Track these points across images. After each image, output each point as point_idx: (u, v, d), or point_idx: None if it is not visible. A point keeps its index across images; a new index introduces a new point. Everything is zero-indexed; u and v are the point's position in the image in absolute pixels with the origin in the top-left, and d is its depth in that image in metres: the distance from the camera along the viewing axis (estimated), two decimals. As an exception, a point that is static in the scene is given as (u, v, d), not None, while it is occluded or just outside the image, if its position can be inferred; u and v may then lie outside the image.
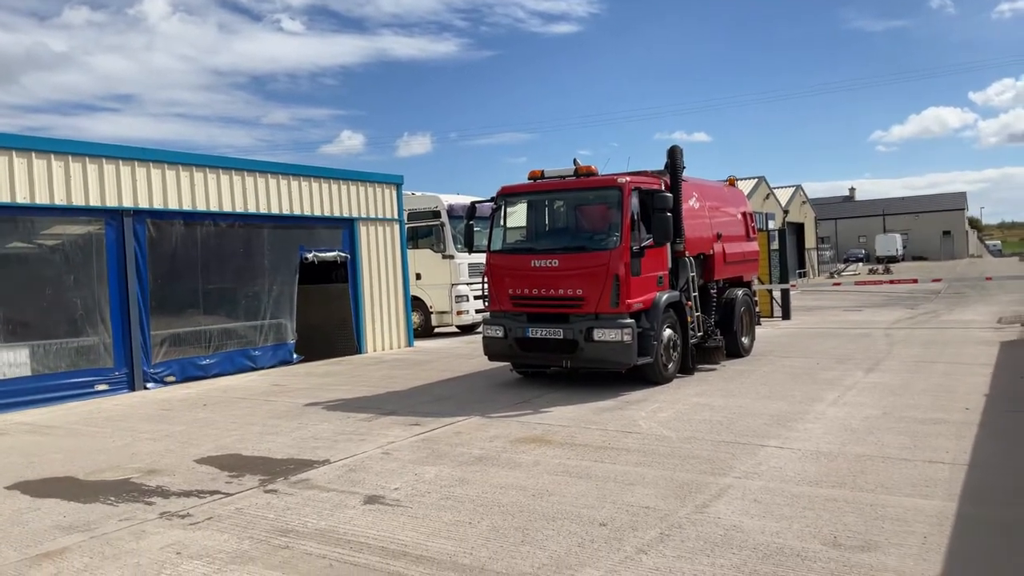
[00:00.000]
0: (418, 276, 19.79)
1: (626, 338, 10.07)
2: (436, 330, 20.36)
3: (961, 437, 7.32)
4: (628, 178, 10.53)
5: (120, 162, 12.31)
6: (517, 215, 11.65)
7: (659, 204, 10.35)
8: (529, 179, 11.29)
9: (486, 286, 11.22)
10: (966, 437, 7.32)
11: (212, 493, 6.42)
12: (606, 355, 10.22)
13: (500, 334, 10.92)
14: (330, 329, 17.01)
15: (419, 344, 17.90)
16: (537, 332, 10.59)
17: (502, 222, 11.35)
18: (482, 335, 11.30)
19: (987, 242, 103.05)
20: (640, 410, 9.13)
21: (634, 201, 10.47)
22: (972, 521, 5.15)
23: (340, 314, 16.65)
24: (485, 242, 11.38)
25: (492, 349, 11.16)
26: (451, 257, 19.63)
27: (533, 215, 11.60)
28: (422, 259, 19.79)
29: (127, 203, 12.35)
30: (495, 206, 11.31)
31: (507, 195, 11.34)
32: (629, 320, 10.17)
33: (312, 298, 17.03)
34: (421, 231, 20.10)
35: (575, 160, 11.28)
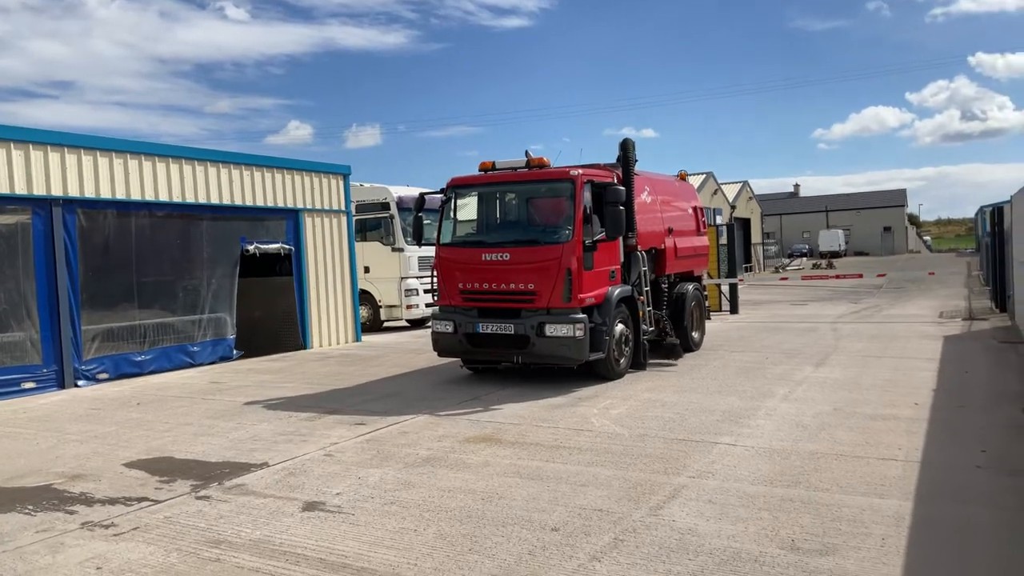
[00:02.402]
0: (367, 269, 19.36)
1: (578, 333, 9.88)
2: (385, 324, 19.97)
3: (912, 433, 7.30)
4: (581, 171, 10.33)
5: (48, 148, 11.65)
6: (467, 207, 11.36)
7: (612, 197, 10.17)
8: (480, 171, 11.02)
9: (435, 280, 10.92)
10: (917, 433, 7.30)
11: (140, 500, 6.02)
12: (558, 351, 10.02)
13: (450, 329, 10.64)
14: (274, 324, 16.51)
15: (367, 339, 17.50)
16: (488, 327, 10.34)
17: (452, 214, 11.06)
18: (431, 330, 11.00)
19: (924, 238, 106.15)
20: (592, 407, 8.96)
21: (587, 194, 10.28)
22: (928, 521, 5.07)
23: (284, 308, 16.16)
24: (434, 235, 11.09)
25: (442, 345, 10.87)
26: (401, 250, 19.23)
27: (484, 207, 11.32)
28: (371, 252, 19.36)
29: (56, 192, 11.70)
30: (445, 198, 11.02)
31: (457, 187, 11.04)
32: (581, 315, 9.98)
33: (255, 291, 16.48)
34: (370, 223, 19.66)
35: (527, 152, 11.04)
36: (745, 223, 55.38)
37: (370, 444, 7.53)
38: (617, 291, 10.68)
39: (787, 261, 65.14)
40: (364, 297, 19.63)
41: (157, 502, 5.97)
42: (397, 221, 19.26)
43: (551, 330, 9.94)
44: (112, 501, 6.03)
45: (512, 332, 10.16)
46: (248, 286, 16.23)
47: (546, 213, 10.88)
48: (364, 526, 5.23)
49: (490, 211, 11.32)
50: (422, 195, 11.46)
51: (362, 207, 19.49)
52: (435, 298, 10.98)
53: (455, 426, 8.20)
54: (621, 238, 10.96)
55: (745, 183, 57.01)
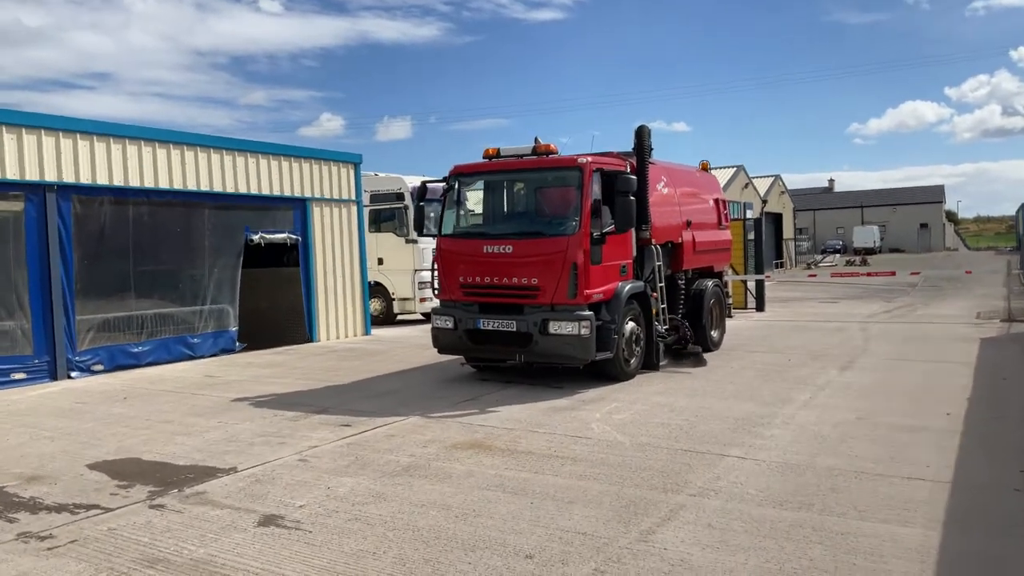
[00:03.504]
0: (380, 261, 18.91)
1: (584, 331, 9.28)
2: (398, 318, 19.48)
3: (942, 448, 6.62)
4: (590, 158, 9.70)
5: (43, 132, 11.28)
6: (470, 196, 10.80)
7: (622, 187, 9.54)
8: (484, 158, 10.44)
9: (436, 273, 10.38)
10: (948, 448, 6.62)
11: (89, 508, 5.56)
12: (562, 349, 9.43)
13: (450, 325, 10.10)
14: (280, 316, 16.10)
15: (377, 332, 17.03)
16: (489, 324, 9.78)
17: (455, 204, 10.50)
18: (431, 326, 10.47)
19: (962, 235, 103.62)
20: (595, 411, 8.36)
21: (596, 184, 9.66)
22: (958, 556, 4.43)
23: (291, 300, 15.72)
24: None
25: (442, 341, 10.34)
26: (415, 242, 18.71)
27: (487, 197, 10.76)
28: (384, 243, 18.90)
29: (50, 177, 11.34)
30: (447, 186, 10.47)
31: (460, 175, 10.48)
32: (588, 312, 9.38)
33: (262, 282, 16.10)
34: (384, 214, 19.18)
35: (536, 139, 10.45)
36: (777, 218, 54.15)
37: (350, 448, 7.02)
38: (628, 287, 10.06)
39: (820, 257, 63.78)
40: (377, 289, 19.19)
41: (107, 510, 5.50)
42: (411, 212, 18.74)
43: (555, 327, 9.36)
44: (60, 508, 5.57)
45: (514, 329, 9.59)
46: (255, 277, 15.84)
47: (552, 203, 10.28)
48: (319, 546, 4.70)
49: (494, 201, 10.75)
50: (424, 183, 10.91)
51: (376, 197, 19.03)
52: (435, 292, 10.45)
53: (445, 430, 7.65)
54: (633, 231, 10.34)
55: (777, 177, 55.73)
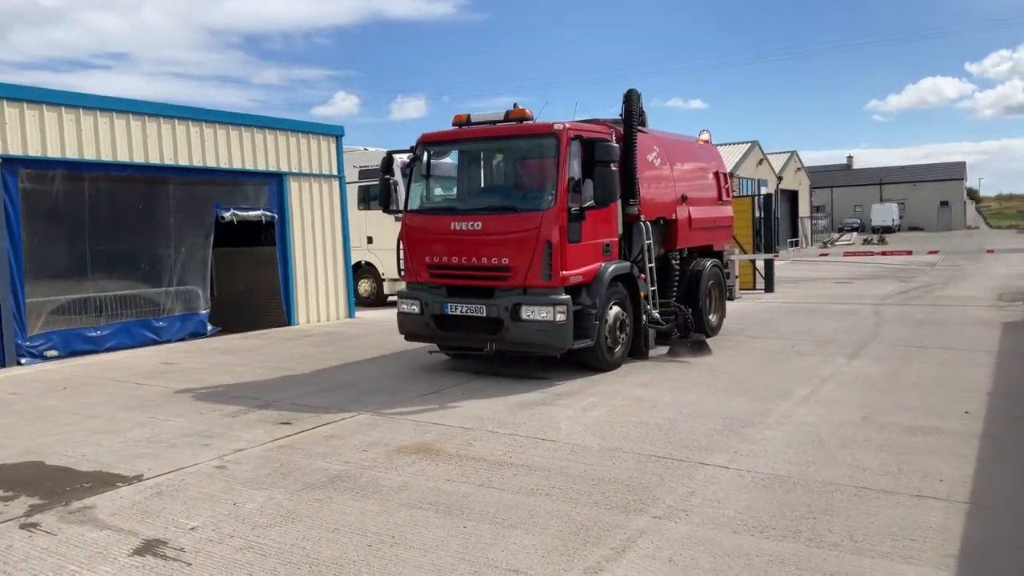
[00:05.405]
0: (369, 240, 18.08)
1: (559, 317, 8.38)
2: (389, 299, 18.64)
3: (959, 456, 5.70)
4: (567, 124, 8.74)
5: (-15, 100, 10.47)
6: (439, 168, 9.89)
7: (602, 155, 8.58)
8: (454, 125, 9.51)
9: (401, 253, 9.51)
10: (966, 456, 5.70)
11: (-48, 528, 4.77)
12: (535, 337, 8.55)
13: (416, 309, 9.23)
14: (261, 298, 15.30)
15: (362, 315, 16.22)
16: (457, 308, 8.90)
17: (422, 176, 9.61)
18: (396, 311, 9.61)
19: (984, 213, 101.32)
20: (568, 407, 7.48)
21: (575, 152, 8.70)
22: (975, 608, 3.54)
23: (271, 281, 14.91)
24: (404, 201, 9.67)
25: (407, 327, 9.47)
26: (405, 219, 17.83)
27: (457, 168, 9.84)
28: (374, 221, 18.01)
29: (-6, 149, 10.55)
30: (413, 157, 9.56)
31: (428, 143, 9.55)
32: (564, 296, 8.47)
33: (242, 262, 15.34)
34: (373, 191, 18.26)
35: (514, 104, 9.50)
36: (793, 195, 52.78)
37: (280, 452, 6.19)
38: (611, 268, 9.14)
39: (836, 236, 62.34)
40: (367, 269, 18.40)
41: (-29, 531, 4.71)
42: (402, 188, 17.82)
43: (528, 313, 8.46)
44: (-81, 527, 4.78)
45: (484, 314, 8.71)
46: (234, 257, 15.09)
47: (527, 175, 9.36)
48: (190, 586, 3.88)
49: (463, 172, 9.83)
50: (389, 154, 10.01)
51: (365, 173, 18.15)
52: (401, 274, 9.58)
53: (393, 430, 6.80)
54: (619, 206, 9.41)
55: (793, 153, 54.23)
